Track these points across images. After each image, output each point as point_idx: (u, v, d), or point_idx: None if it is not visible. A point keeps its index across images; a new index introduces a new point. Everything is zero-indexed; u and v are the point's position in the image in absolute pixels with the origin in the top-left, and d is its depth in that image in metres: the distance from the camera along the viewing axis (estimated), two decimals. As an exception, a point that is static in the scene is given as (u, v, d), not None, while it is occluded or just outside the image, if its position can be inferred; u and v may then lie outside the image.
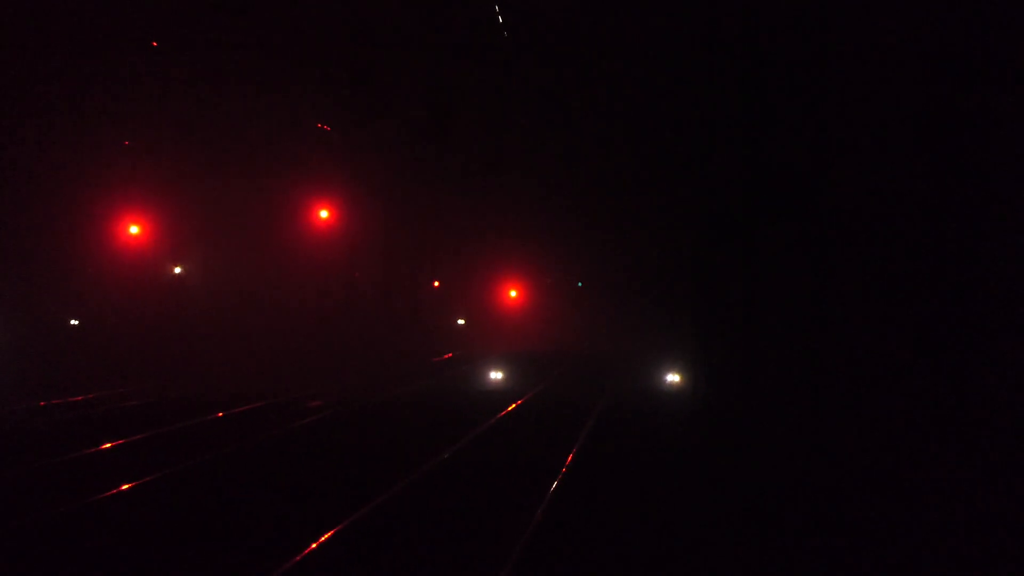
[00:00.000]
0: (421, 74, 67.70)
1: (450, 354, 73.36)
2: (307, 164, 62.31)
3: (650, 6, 48.86)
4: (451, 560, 14.92)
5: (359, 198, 64.10)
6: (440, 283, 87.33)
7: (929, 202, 19.65)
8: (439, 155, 72.40)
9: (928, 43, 19.57)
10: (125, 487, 19.95)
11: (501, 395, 41.91)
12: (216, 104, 59.90)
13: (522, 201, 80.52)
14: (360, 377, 50.53)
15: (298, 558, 14.74)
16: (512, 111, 73.65)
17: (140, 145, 58.63)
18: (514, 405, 37.13)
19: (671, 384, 44.71)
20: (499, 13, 60.95)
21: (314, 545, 15.46)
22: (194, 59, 58.02)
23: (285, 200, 61.71)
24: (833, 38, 23.75)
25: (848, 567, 14.70)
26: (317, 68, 61.48)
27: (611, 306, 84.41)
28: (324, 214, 57.78)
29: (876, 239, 22.04)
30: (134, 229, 55.65)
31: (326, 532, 16.19)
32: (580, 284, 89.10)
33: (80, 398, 37.78)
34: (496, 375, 49.71)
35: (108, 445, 25.57)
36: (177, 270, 63.69)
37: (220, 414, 33.08)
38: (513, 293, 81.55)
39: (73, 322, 59.94)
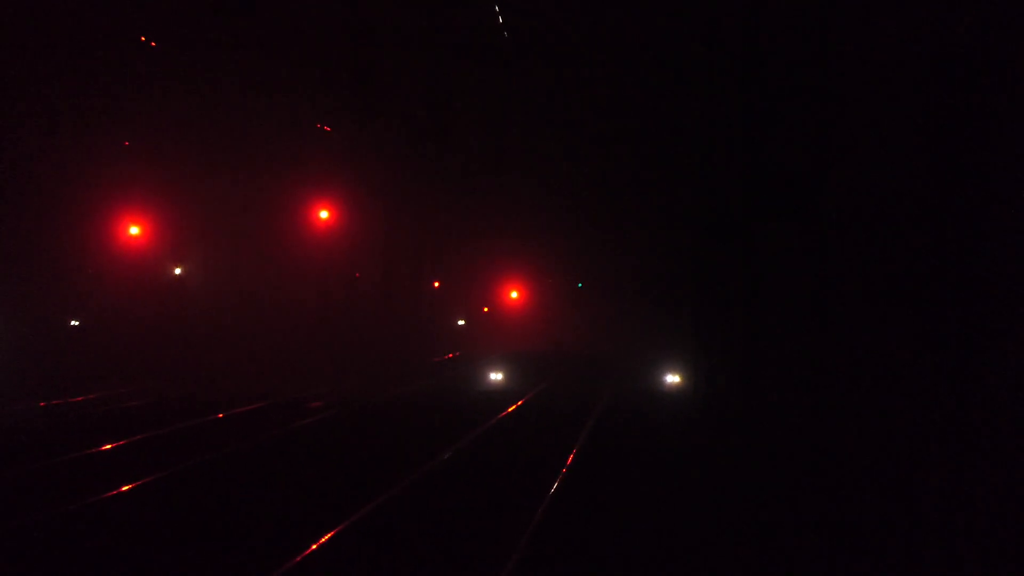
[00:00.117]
0: (421, 74, 67.70)
1: (451, 354, 73.37)
2: (307, 164, 62.24)
3: (650, 6, 48.93)
4: (452, 560, 14.93)
5: (359, 198, 64.02)
6: (440, 283, 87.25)
7: (929, 202, 19.63)
8: (439, 155, 72.37)
9: (928, 43, 19.55)
10: (126, 487, 19.95)
11: (502, 395, 41.92)
12: (216, 104, 59.88)
13: (522, 201, 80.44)
14: (361, 377, 50.51)
15: (299, 558, 14.75)
16: (512, 111, 73.67)
17: (140, 145, 58.59)
18: (515, 405, 37.15)
19: (671, 384, 44.74)
20: (499, 13, 60.97)
21: (315, 545, 15.46)
22: (194, 59, 58.01)
23: (285, 200, 61.68)
24: (834, 38, 23.75)
25: (848, 567, 14.71)
26: (317, 68, 61.46)
27: (611, 306, 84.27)
28: (324, 214, 57.72)
29: (876, 239, 22.02)
30: (134, 229, 55.57)
31: (327, 532, 16.20)
32: (580, 284, 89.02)
33: (81, 398, 37.78)
34: (497, 375, 49.72)
35: (109, 445, 25.57)
36: (177, 270, 63.64)
37: (220, 414, 33.07)
38: (513, 293, 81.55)
39: (73, 322, 59.88)
